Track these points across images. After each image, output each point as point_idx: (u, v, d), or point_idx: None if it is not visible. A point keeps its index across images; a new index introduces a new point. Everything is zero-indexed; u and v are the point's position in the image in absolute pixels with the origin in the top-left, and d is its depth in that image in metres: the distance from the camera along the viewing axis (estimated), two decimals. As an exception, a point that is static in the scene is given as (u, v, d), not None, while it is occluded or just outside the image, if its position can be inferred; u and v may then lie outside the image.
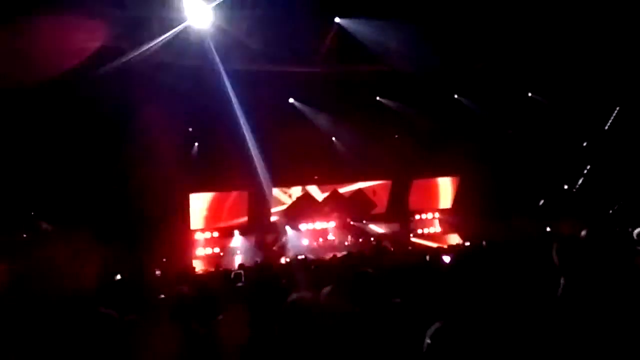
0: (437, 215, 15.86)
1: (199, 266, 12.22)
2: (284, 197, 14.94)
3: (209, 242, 13.93)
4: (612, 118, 14.59)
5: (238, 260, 12.76)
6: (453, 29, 9.75)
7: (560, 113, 13.59)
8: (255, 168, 12.99)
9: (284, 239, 14.00)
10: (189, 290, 3.55)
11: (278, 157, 13.21)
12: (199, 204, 13.70)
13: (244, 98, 11.15)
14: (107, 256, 10.21)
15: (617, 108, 14.39)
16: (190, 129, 11.93)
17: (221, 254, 13.53)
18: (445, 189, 15.62)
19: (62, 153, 10.32)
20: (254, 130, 12.80)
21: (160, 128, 11.06)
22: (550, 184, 15.45)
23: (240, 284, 5.46)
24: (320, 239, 14.69)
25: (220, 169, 12.68)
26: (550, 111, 13.46)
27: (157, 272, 9.74)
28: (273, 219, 14.61)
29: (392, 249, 11.19)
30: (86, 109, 9.81)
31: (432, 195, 15.57)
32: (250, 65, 10.32)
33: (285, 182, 14.32)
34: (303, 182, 14.63)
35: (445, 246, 10.22)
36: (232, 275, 5.88)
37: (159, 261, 11.62)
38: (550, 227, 13.75)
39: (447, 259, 5.24)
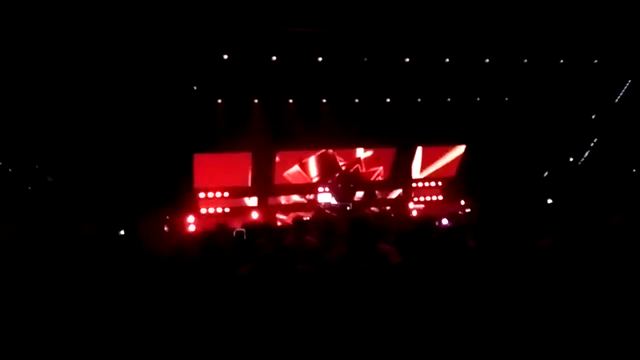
0: (440, 183, 15.80)
1: (202, 225, 12.29)
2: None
3: (214, 202, 13.98)
4: (622, 91, 14.37)
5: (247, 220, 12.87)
6: None
7: (570, 85, 13.40)
8: (259, 129, 12.94)
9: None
10: (193, 247, 3.60)
11: (281, 119, 13.14)
12: (204, 163, 13.68)
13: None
14: (110, 211, 10.34)
15: (629, 81, 14.15)
16: (195, 87, 11.80)
17: (226, 213, 13.61)
18: (450, 157, 15.53)
19: (67, 105, 10.30)
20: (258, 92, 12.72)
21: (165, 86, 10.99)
22: (556, 156, 15.36)
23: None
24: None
25: (225, 129, 12.61)
26: (560, 83, 13.25)
27: (165, 229, 9.83)
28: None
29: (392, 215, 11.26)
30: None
31: (437, 163, 15.49)
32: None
33: (287, 146, 14.21)
34: (306, 147, 14.50)
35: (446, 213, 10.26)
36: (235, 234, 5.93)
37: (162, 218, 11.73)
38: (552, 199, 13.78)
39: (445, 221, 5.25)
